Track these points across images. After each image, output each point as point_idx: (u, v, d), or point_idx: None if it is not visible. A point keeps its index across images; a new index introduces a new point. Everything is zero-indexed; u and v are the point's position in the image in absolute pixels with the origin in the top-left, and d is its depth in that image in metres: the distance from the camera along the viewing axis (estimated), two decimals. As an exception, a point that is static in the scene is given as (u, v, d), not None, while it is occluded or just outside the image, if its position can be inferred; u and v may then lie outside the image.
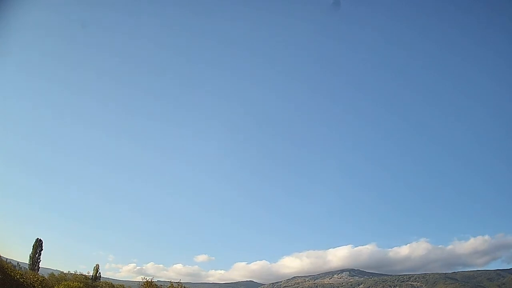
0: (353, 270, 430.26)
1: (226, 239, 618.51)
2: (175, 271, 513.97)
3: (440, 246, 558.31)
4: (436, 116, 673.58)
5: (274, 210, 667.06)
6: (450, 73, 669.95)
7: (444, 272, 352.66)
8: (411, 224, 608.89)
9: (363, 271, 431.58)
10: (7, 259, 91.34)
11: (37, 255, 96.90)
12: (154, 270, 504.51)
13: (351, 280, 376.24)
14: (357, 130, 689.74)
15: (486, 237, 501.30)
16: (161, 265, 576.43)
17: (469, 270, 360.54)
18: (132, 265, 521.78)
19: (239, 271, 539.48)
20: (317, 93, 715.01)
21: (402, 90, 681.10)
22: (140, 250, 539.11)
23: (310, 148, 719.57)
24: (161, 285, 71.63)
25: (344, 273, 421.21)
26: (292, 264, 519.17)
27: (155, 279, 67.68)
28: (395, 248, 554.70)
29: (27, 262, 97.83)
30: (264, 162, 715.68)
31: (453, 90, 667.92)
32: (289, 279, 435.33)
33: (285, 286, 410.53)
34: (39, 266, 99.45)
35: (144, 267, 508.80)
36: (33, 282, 58.75)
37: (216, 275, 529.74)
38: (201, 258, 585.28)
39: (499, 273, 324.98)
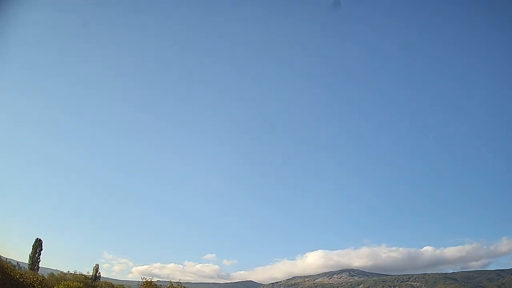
0: (352, 270, 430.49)
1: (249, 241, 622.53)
2: (193, 272, 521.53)
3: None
4: (438, 115, 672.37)
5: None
6: (452, 73, 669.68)
7: (444, 272, 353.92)
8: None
9: (362, 271, 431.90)
10: (6, 258, 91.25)
11: (36, 255, 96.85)
12: (170, 271, 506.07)
13: (351, 280, 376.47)
14: (367, 129, 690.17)
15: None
16: (179, 266, 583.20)
17: (469, 270, 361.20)
18: (142, 266, 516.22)
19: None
20: (320, 92, 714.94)
21: (403, 89, 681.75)
22: (149, 251, 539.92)
23: (314, 147, 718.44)
24: (160, 285, 71.68)
25: (344, 273, 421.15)
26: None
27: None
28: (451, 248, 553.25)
29: (27, 262, 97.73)
30: (270, 161, 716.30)
31: (454, 90, 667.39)
32: (288, 279, 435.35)
33: (284, 286, 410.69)
34: (39, 266, 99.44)
35: (153, 268, 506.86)
36: (32, 282, 58.77)
37: (243, 275, 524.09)
38: (229, 261, 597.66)
39: (499, 273, 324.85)
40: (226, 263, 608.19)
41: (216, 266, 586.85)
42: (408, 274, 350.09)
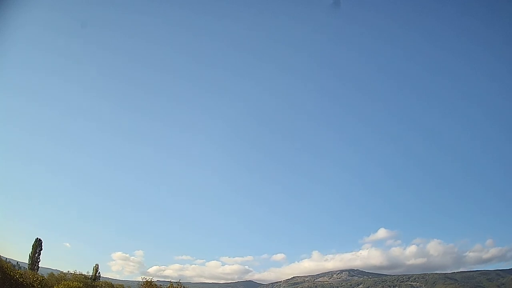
0: (352, 270, 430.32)
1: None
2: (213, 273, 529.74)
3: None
4: (436, 116, 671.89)
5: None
6: (451, 75, 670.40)
7: (444, 272, 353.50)
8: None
9: (362, 271, 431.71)
10: (6, 258, 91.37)
11: (36, 255, 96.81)
12: (186, 271, 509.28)
13: (351, 280, 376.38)
14: (366, 130, 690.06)
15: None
16: (201, 267, 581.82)
17: (469, 270, 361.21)
18: (157, 267, 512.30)
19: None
20: (317, 93, 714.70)
21: (402, 91, 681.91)
22: (168, 253, 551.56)
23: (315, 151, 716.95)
24: (160, 285, 71.87)
25: (343, 273, 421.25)
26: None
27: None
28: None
29: (27, 262, 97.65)
30: (266, 162, 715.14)
31: (454, 91, 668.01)
32: (288, 279, 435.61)
33: (284, 286, 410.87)
34: (39, 266, 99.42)
35: (167, 269, 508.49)
36: (32, 282, 58.79)
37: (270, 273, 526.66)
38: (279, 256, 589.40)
39: (499, 273, 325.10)
40: (256, 263, 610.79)
41: (243, 267, 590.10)
42: (408, 274, 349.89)
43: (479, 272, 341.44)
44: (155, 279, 66.95)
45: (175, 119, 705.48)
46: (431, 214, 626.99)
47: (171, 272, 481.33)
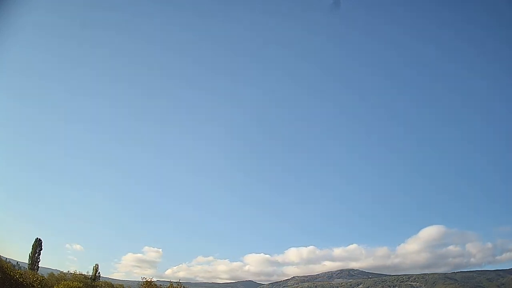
0: (352, 270, 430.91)
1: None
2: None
3: None
4: (434, 117, 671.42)
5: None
6: (451, 75, 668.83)
7: (444, 272, 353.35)
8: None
9: (362, 271, 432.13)
10: (6, 258, 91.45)
11: (36, 255, 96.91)
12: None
13: (351, 280, 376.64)
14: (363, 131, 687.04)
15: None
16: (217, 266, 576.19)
17: (469, 270, 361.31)
18: (171, 268, 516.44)
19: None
20: (317, 95, 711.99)
21: (402, 92, 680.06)
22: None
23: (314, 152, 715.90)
24: (160, 285, 71.93)
25: (343, 273, 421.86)
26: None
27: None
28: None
29: (27, 262, 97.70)
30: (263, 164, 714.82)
31: (453, 92, 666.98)
32: (288, 279, 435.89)
33: (284, 286, 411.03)
34: (39, 265, 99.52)
35: (180, 269, 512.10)
36: (32, 282, 58.83)
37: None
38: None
39: (499, 273, 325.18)
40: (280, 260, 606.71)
41: (269, 266, 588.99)
42: (408, 274, 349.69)
43: (479, 272, 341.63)
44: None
45: (183, 123, 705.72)
46: (469, 213, 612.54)
47: (184, 274, 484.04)
